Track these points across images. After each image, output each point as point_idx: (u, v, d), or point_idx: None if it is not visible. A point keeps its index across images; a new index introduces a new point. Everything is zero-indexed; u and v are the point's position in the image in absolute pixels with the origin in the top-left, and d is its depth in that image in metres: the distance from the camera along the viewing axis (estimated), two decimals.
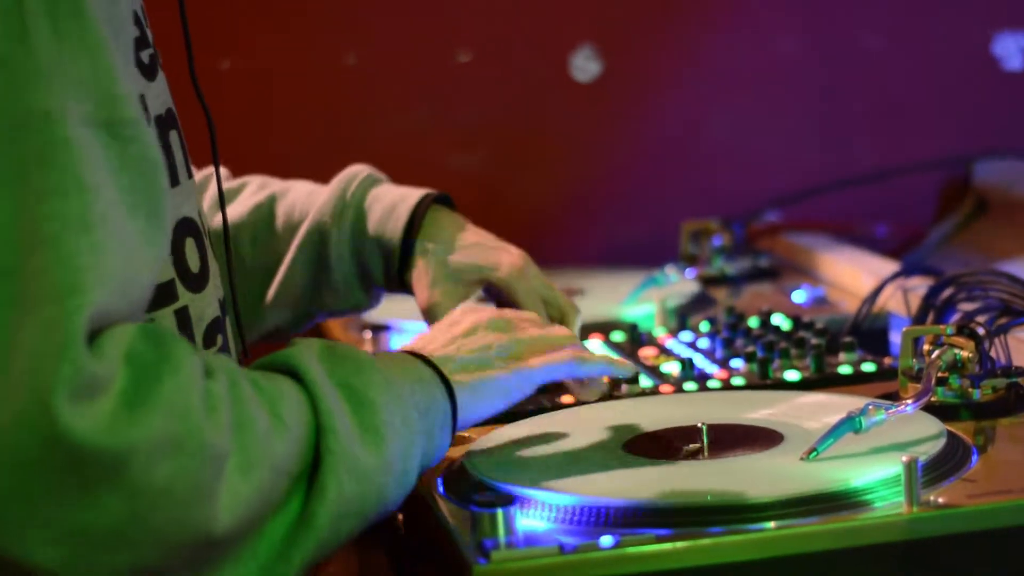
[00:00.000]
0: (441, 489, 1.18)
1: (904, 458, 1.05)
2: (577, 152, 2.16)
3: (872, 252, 1.93)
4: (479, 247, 1.46)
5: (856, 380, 1.44)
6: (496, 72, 2.13)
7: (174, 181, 1.16)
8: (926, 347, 1.31)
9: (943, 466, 1.12)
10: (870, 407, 1.18)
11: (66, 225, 0.97)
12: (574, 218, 2.16)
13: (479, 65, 2.12)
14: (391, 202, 1.48)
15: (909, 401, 1.22)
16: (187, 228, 1.19)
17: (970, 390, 1.28)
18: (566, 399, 1.41)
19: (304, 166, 2.10)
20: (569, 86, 2.15)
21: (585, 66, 2.14)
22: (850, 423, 1.16)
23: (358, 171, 1.51)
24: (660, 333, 1.65)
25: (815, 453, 1.14)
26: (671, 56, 2.16)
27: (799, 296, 1.78)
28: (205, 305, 1.21)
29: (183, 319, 1.18)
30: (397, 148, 2.12)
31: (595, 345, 1.61)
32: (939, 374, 1.28)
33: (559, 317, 1.44)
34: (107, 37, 1.03)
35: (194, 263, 1.20)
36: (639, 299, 1.79)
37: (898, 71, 2.20)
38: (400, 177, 2.11)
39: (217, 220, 1.38)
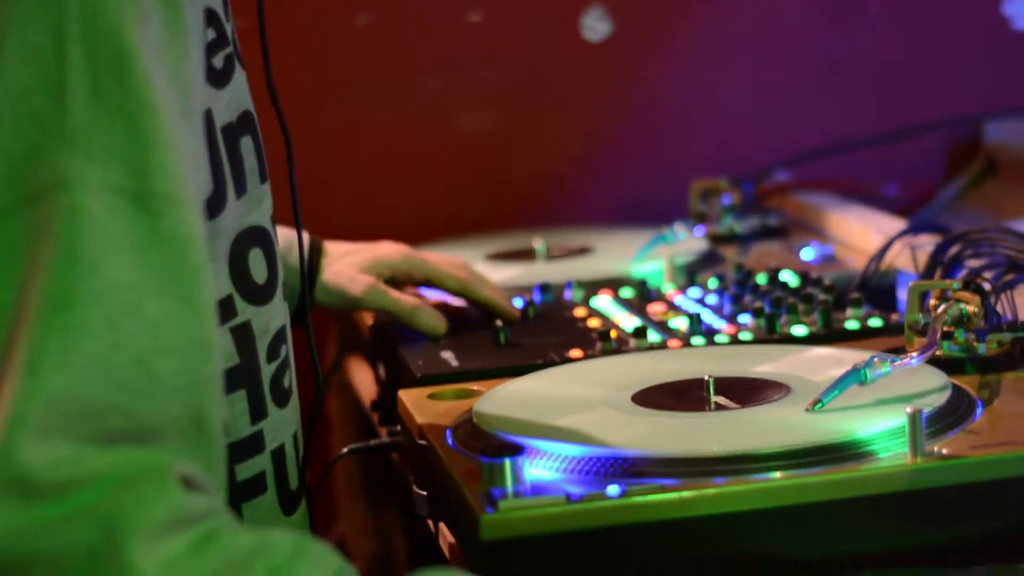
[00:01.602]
0: (450, 440, 1.19)
1: (908, 409, 1.06)
2: (587, 112, 2.16)
3: (881, 211, 1.93)
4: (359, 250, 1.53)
5: (863, 335, 1.45)
6: (506, 32, 2.13)
7: (240, 190, 1.13)
8: (932, 302, 1.31)
9: (947, 418, 1.13)
10: (875, 359, 1.18)
11: (47, 301, 0.92)
12: (584, 177, 2.16)
13: (489, 26, 2.12)
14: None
15: (914, 354, 1.22)
16: (254, 237, 1.15)
17: (975, 344, 1.29)
18: (574, 353, 1.42)
19: (314, 128, 2.11)
20: (579, 46, 2.15)
21: (595, 26, 2.14)
22: (855, 375, 1.17)
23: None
24: (669, 289, 1.65)
25: (820, 404, 1.15)
26: (681, 17, 2.15)
27: (808, 254, 1.78)
28: (270, 317, 1.18)
29: (243, 335, 1.15)
30: (408, 109, 2.12)
31: (604, 302, 1.62)
32: (945, 328, 1.29)
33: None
34: (154, 96, 0.97)
35: (260, 274, 1.16)
36: (648, 256, 1.79)
37: (908, 31, 2.20)
38: (413, 138, 2.13)
39: None
